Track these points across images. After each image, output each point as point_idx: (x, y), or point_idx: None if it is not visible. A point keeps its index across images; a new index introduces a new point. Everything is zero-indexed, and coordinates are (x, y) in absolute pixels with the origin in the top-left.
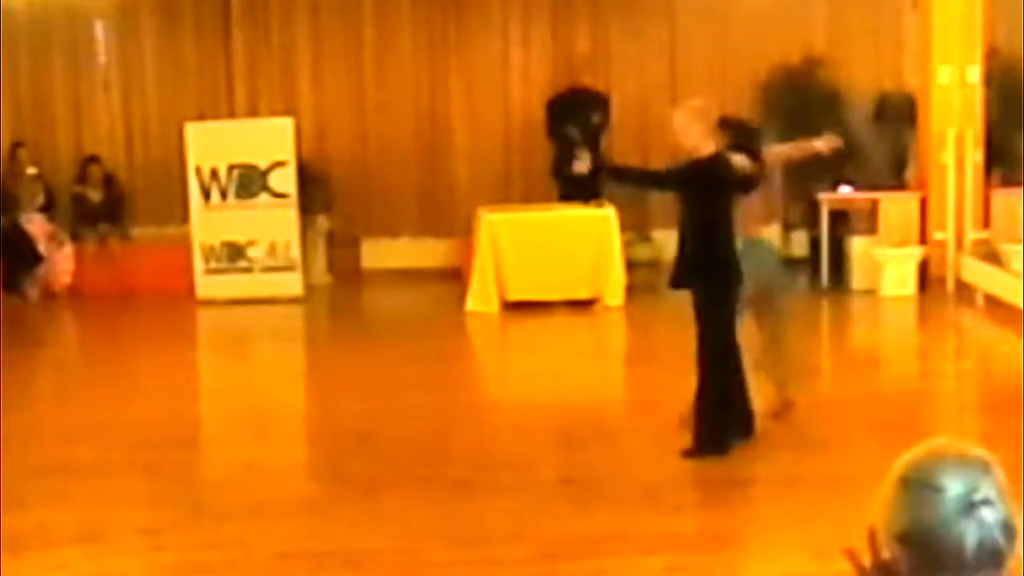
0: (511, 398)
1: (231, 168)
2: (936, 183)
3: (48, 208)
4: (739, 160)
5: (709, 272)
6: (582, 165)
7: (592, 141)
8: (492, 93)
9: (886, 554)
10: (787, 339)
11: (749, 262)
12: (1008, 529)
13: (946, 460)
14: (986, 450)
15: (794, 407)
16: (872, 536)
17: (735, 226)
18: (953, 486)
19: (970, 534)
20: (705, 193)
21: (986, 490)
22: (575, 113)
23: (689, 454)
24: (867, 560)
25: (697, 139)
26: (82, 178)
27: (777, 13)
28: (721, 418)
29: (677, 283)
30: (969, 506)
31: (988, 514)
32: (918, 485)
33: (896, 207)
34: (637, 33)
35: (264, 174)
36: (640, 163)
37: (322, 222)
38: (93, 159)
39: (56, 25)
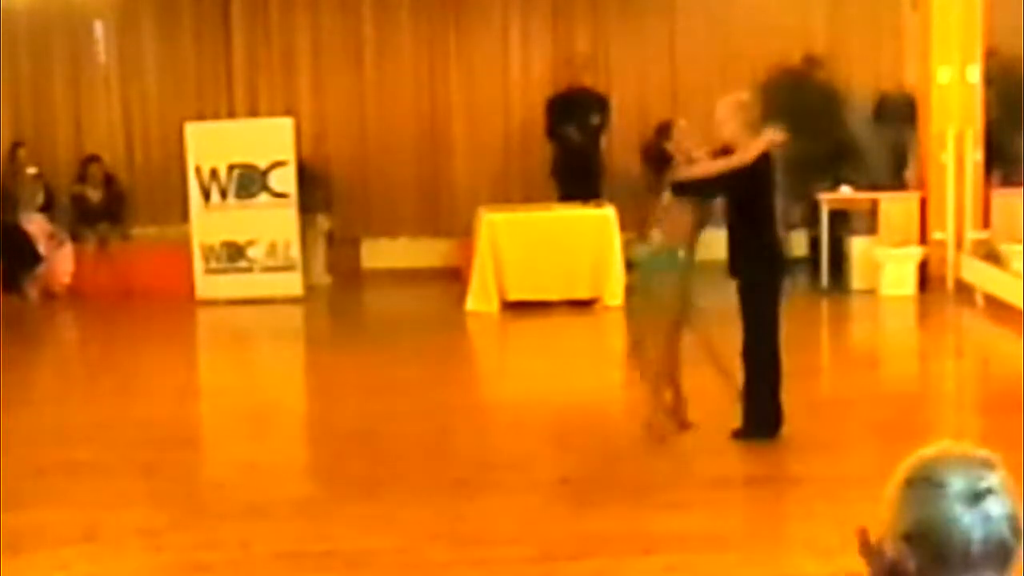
0: (511, 398)
1: (231, 168)
2: (936, 183)
3: (48, 208)
4: None
5: (755, 261)
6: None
7: (592, 141)
8: (492, 93)
9: (891, 554)
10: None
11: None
12: (1014, 524)
13: (949, 458)
14: (988, 451)
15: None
16: (863, 534)
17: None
18: (956, 481)
19: (976, 528)
20: (748, 185)
21: (990, 482)
22: (575, 113)
23: (738, 435)
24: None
25: (736, 132)
26: (82, 178)
27: (777, 13)
28: (770, 401)
29: (733, 271)
30: (973, 498)
31: (993, 507)
32: (922, 483)
33: (896, 207)
34: (637, 33)
35: (264, 174)
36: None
37: (322, 222)
38: (93, 159)
39: (56, 25)
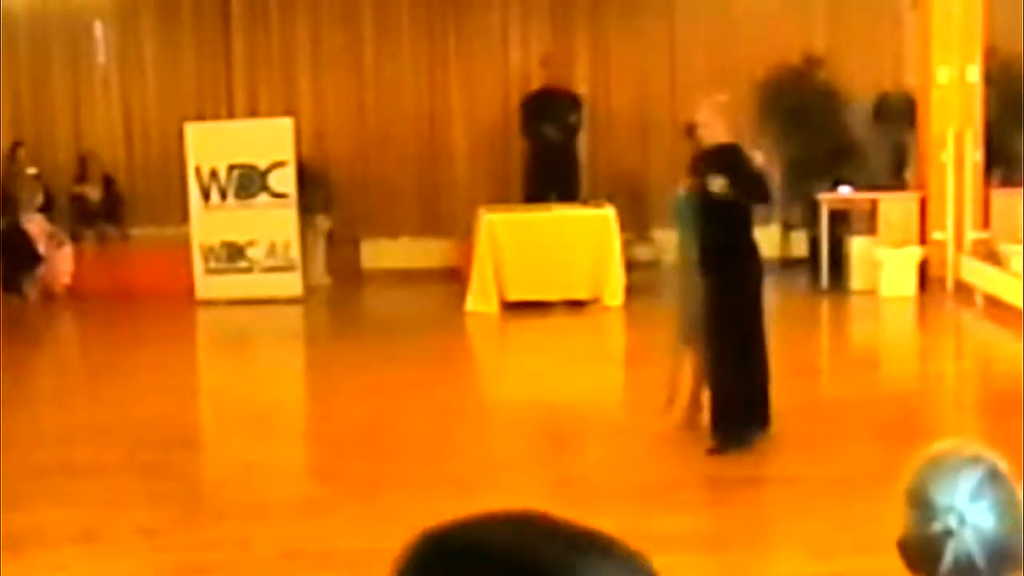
0: (511, 398)
1: (231, 168)
2: (936, 183)
3: (47, 208)
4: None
5: (725, 261)
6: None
7: (570, 141)
8: (492, 93)
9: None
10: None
11: None
12: (994, 550)
13: (941, 473)
14: (993, 456)
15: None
16: None
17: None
18: (941, 501)
19: (947, 552)
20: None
21: (974, 513)
22: (550, 113)
23: (713, 451)
24: None
25: (719, 133)
26: (81, 177)
27: (777, 13)
28: (740, 411)
29: (706, 269)
30: (949, 527)
31: (969, 536)
32: (913, 496)
33: (896, 207)
34: (637, 33)
35: (264, 174)
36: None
37: (322, 222)
38: (89, 155)
39: (56, 25)
